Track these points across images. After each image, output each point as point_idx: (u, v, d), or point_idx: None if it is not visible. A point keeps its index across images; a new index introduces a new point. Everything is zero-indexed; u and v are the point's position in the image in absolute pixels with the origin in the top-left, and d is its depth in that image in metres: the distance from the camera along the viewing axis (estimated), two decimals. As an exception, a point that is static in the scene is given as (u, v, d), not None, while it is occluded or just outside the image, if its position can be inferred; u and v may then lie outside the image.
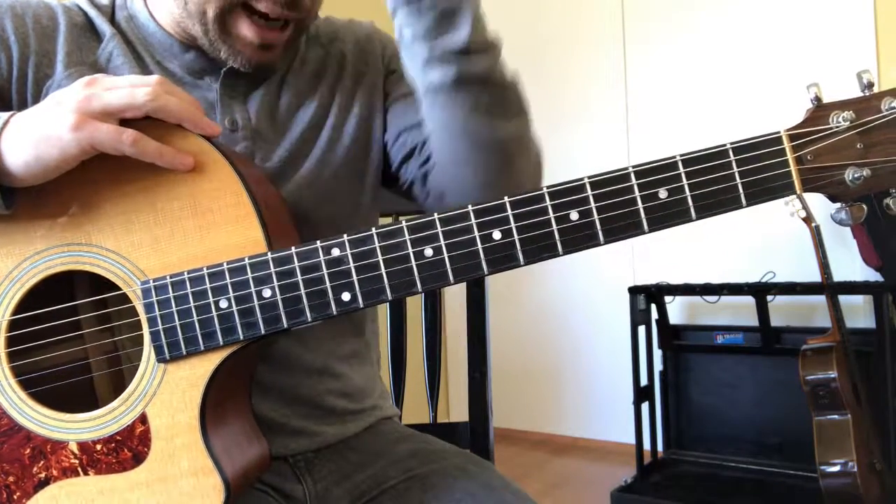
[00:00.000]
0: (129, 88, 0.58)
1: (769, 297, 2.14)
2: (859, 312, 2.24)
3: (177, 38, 0.75)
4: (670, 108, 2.67)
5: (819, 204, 1.81)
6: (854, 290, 2.08)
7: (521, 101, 0.73)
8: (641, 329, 2.36)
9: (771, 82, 2.45)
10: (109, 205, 0.61)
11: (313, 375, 0.77)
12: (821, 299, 1.97)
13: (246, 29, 0.69)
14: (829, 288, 1.88)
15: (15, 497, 0.61)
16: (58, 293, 0.64)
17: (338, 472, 0.78)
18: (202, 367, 0.59)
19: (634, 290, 2.35)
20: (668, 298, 2.39)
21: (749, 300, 2.18)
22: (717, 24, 2.56)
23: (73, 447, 0.60)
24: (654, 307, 2.37)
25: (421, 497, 0.74)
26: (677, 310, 2.53)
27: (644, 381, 2.37)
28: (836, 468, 1.73)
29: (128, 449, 0.60)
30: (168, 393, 0.59)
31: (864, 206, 0.55)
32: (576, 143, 2.90)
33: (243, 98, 0.76)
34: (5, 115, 0.60)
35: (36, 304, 0.62)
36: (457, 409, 3.04)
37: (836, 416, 1.77)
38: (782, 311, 2.26)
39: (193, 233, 0.60)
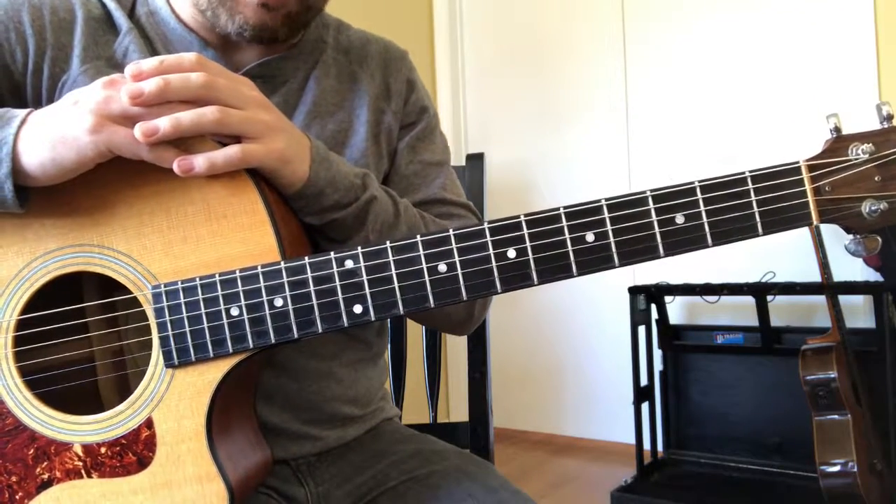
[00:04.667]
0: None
1: (769, 297, 2.13)
2: (859, 312, 2.24)
3: (197, 35, 0.74)
4: (670, 109, 2.67)
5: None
6: (854, 290, 2.08)
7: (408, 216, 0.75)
8: (641, 329, 2.36)
9: (770, 81, 2.45)
10: (123, 207, 0.61)
11: (318, 381, 0.76)
12: (821, 299, 1.96)
13: None
14: (829, 288, 1.88)
15: (17, 497, 0.61)
16: (66, 294, 0.64)
17: (339, 474, 0.78)
18: (210, 374, 0.59)
19: (634, 290, 2.34)
20: (668, 298, 2.38)
21: (749, 300, 2.17)
22: (716, 24, 2.56)
23: (78, 449, 0.60)
24: (654, 307, 2.37)
25: (421, 498, 0.74)
26: (677, 310, 2.53)
27: (644, 381, 2.37)
28: (836, 468, 1.73)
29: (132, 453, 0.60)
30: (175, 398, 0.59)
31: (878, 238, 0.55)
32: (576, 143, 2.90)
33: None
34: (23, 112, 0.59)
35: (45, 303, 0.62)
36: (457, 409, 3.03)
37: (836, 416, 1.77)
38: (782, 311, 2.26)
39: (206, 238, 0.60)
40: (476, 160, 1.08)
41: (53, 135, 0.56)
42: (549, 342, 2.97)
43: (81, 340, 0.66)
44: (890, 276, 2.08)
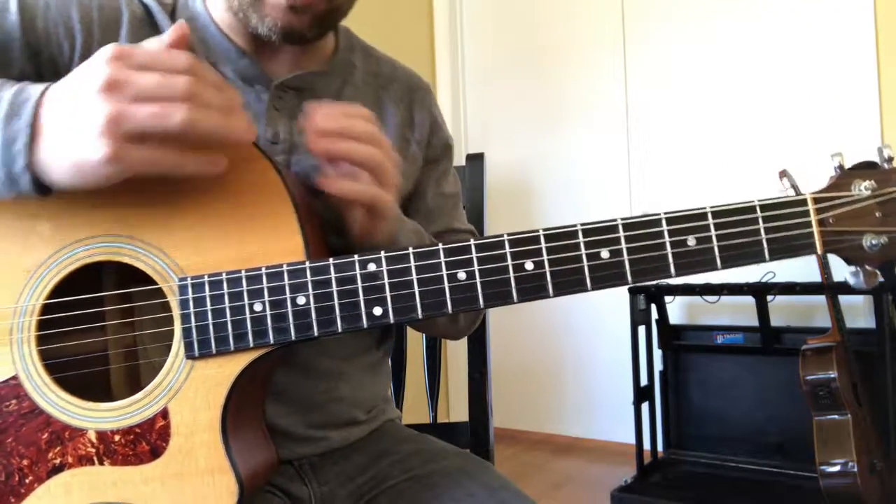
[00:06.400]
0: (160, 108, 0.53)
1: (769, 297, 2.14)
2: (859, 312, 2.24)
3: (234, 44, 0.75)
4: (670, 109, 2.67)
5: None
6: (854, 290, 2.07)
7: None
8: (641, 329, 2.36)
9: (770, 81, 2.45)
10: (155, 200, 0.62)
11: (328, 381, 0.77)
12: (821, 299, 1.96)
13: None
14: (829, 288, 1.88)
15: (27, 481, 0.61)
16: (93, 283, 0.64)
17: (342, 474, 0.78)
18: (229, 368, 0.60)
19: (634, 290, 2.35)
20: (668, 298, 2.39)
21: (749, 300, 2.18)
22: (716, 25, 2.56)
23: (92, 436, 0.61)
24: (654, 307, 2.37)
25: (421, 497, 0.75)
26: (677, 310, 2.53)
27: (644, 381, 2.37)
28: (836, 468, 1.73)
29: (146, 442, 0.60)
30: (192, 390, 0.60)
31: (879, 274, 0.58)
32: (576, 143, 2.90)
33: (290, 113, 0.76)
34: (27, 117, 0.55)
35: (71, 291, 0.63)
36: (457, 409, 3.04)
37: (836, 416, 1.77)
38: (782, 311, 2.26)
39: (235, 235, 0.61)
40: (476, 160, 1.08)
41: (73, 160, 0.54)
42: (549, 342, 2.98)
43: (102, 329, 0.67)
44: (890, 276, 2.08)
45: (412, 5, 3.06)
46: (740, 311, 2.39)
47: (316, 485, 0.77)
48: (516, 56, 3.05)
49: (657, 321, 2.39)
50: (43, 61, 0.69)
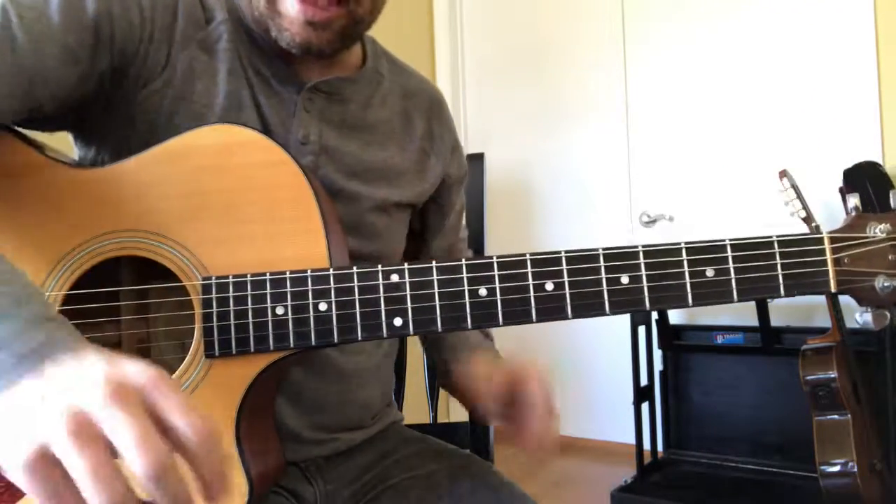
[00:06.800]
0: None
1: (769, 297, 2.13)
2: (859, 312, 2.24)
3: (267, 43, 0.74)
4: (670, 108, 2.67)
5: (819, 205, 1.81)
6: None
7: None
8: (641, 329, 2.36)
9: (770, 81, 2.45)
10: (185, 200, 0.62)
11: (339, 383, 0.78)
12: (821, 299, 1.96)
13: (288, 4, 0.68)
14: (829, 288, 1.87)
15: None
16: (109, 275, 0.65)
17: (347, 474, 0.79)
18: (248, 369, 0.60)
19: (634, 290, 2.34)
20: (668, 298, 2.38)
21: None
22: (716, 24, 2.56)
23: None
24: (654, 307, 2.37)
25: (423, 496, 0.75)
26: (677, 309, 2.53)
27: (644, 381, 2.37)
28: (836, 468, 1.73)
29: None
30: (210, 389, 0.60)
31: (887, 314, 0.59)
32: (576, 143, 2.90)
33: (319, 115, 0.76)
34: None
35: (91, 283, 0.63)
36: (457, 409, 3.03)
37: (836, 416, 1.77)
38: (782, 311, 2.26)
39: (262, 239, 0.62)
40: (476, 160, 1.08)
41: None
42: (549, 342, 2.97)
43: (119, 324, 0.67)
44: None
45: (412, 5, 3.06)
46: (740, 310, 2.38)
47: (321, 483, 0.77)
48: (516, 56, 3.05)
49: (657, 321, 2.39)
50: (115, 52, 0.67)
